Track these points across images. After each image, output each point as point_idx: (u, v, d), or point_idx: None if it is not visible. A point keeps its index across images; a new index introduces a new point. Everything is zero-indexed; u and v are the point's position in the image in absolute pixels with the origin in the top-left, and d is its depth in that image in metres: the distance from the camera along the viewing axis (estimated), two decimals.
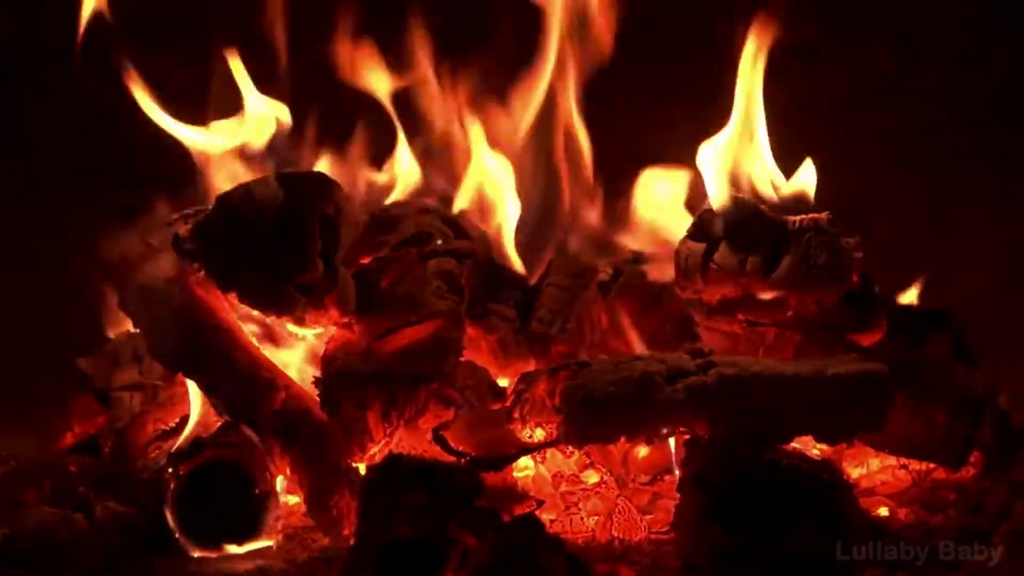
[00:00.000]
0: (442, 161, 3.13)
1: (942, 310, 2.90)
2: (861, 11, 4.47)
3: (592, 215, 3.14)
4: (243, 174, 2.93)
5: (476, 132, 3.08)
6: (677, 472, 2.57)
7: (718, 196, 2.74)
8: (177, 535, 2.50)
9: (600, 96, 3.19)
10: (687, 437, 2.51)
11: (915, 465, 2.76)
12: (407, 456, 2.43)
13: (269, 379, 2.63)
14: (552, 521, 2.56)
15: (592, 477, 2.62)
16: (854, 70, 4.46)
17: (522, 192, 3.07)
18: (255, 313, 2.64)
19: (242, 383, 2.61)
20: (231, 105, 3.04)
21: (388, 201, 3.04)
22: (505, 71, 3.17)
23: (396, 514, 2.25)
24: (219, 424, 2.63)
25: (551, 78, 3.13)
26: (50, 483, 2.77)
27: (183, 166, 3.01)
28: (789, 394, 2.45)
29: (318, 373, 2.63)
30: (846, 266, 2.66)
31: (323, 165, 3.05)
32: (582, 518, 2.58)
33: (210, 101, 3.05)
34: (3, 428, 2.90)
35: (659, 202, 3.09)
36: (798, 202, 2.78)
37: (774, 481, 2.40)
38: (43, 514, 2.55)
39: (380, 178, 3.12)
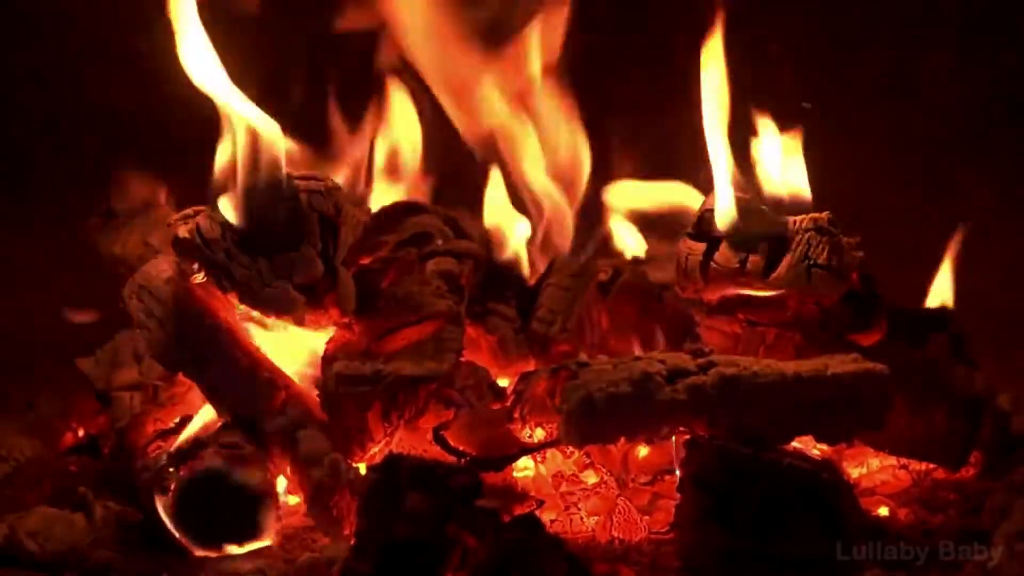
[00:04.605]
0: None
1: (941, 310, 2.90)
2: (861, 11, 4.48)
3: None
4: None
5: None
6: (677, 472, 2.57)
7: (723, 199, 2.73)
8: (177, 535, 2.50)
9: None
10: (687, 437, 2.51)
11: (915, 465, 2.76)
12: (407, 456, 2.43)
13: (269, 379, 2.62)
14: (552, 521, 2.56)
15: (592, 477, 2.62)
16: (853, 69, 4.47)
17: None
18: None
19: (242, 383, 2.61)
20: None
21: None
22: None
23: (396, 514, 2.24)
24: (219, 424, 2.63)
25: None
26: (50, 483, 2.77)
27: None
28: (789, 394, 2.45)
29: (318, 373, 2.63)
30: (846, 266, 2.66)
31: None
32: (582, 518, 2.58)
33: None
34: (3, 428, 2.90)
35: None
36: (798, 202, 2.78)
37: (774, 481, 2.40)
38: (43, 514, 2.54)
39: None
